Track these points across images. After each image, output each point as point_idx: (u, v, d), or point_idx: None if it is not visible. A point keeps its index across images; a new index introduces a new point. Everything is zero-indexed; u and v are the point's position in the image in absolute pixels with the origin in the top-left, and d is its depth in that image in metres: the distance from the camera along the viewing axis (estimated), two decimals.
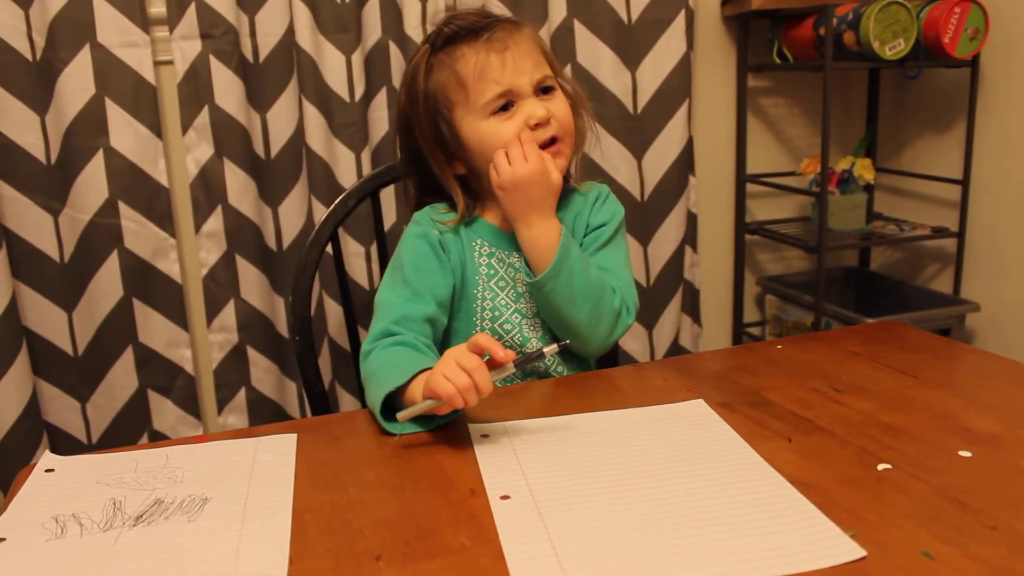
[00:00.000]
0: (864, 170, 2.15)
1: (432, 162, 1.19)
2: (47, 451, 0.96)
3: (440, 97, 1.15)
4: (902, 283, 2.27)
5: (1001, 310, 2.10)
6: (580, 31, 1.95)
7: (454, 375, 0.91)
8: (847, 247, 2.31)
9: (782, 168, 2.31)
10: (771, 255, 2.41)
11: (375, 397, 0.99)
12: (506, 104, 1.14)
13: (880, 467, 0.84)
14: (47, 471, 0.90)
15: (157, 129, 1.74)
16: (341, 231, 1.84)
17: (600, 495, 0.81)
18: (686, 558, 0.70)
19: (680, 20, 2.01)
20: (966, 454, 0.87)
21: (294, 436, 0.97)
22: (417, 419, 0.97)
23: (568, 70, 1.94)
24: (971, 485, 0.80)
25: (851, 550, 0.70)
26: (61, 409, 1.79)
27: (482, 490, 0.83)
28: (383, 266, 1.49)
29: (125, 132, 1.71)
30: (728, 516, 0.77)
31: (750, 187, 2.28)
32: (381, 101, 1.86)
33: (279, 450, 0.93)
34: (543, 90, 1.16)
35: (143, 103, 1.72)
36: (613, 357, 1.41)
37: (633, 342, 2.12)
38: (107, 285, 1.75)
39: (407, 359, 1.03)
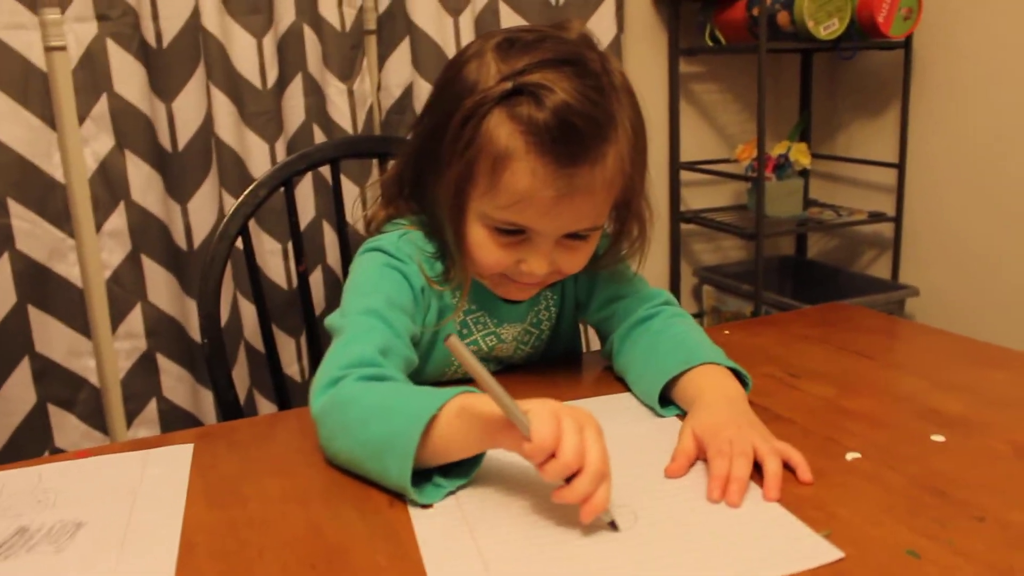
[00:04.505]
0: (800, 155, 2.11)
1: (448, 216, 0.91)
2: None
3: (475, 156, 0.86)
4: (839, 270, 2.24)
5: (940, 294, 2.07)
6: (505, 12, 1.88)
7: (568, 432, 0.66)
8: (785, 233, 2.26)
9: (716, 155, 2.25)
10: (706, 245, 2.35)
11: (400, 437, 0.72)
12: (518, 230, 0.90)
13: (849, 456, 0.76)
14: None
15: (50, 120, 1.61)
16: (255, 227, 1.73)
17: (536, 499, 0.71)
18: (634, 568, 0.61)
19: (610, 2, 1.95)
20: (939, 439, 0.79)
21: (190, 446, 0.85)
22: (448, 473, 0.75)
23: None
24: (950, 472, 0.72)
25: (825, 552, 0.62)
26: None
27: (401, 501, 0.72)
28: (299, 262, 1.37)
29: (14, 123, 1.57)
30: (680, 518, 0.67)
31: (684, 175, 2.22)
32: (296, 88, 1.75)
33: (171, 463, 0.82)
34: (574, 234, 0.91)
35: (32, 91, 1.58)
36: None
37: None
38: None
39: (423, 393, 0.77)
